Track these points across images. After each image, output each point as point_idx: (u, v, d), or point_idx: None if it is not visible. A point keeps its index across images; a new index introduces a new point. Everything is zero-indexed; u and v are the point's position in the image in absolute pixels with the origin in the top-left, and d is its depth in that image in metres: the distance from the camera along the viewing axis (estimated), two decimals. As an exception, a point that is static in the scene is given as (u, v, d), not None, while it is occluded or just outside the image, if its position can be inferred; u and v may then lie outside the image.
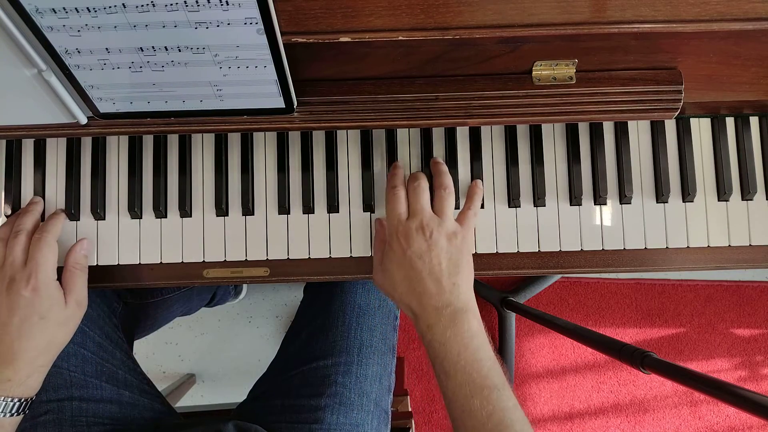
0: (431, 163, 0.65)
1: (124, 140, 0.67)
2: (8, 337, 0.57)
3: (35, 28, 0.47)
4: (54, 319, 0.59)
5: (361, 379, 0.74)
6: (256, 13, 0.46)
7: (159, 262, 0.66)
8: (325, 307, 0.78)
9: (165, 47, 0.49)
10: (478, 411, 0.52)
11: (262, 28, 0.47)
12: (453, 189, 0.63)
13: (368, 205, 0.66)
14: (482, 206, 0.66)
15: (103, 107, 0.56)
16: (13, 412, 0.56)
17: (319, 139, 0.67)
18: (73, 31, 0.47)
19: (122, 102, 0.56)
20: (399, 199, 0.61)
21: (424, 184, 0.62)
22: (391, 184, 0.63)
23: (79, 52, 0.49)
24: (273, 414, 0.74)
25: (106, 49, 0.49)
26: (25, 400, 0.58)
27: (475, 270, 0.66)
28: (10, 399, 0.56)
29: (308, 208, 0.66)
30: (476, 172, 0.66)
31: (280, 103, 0.56)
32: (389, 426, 0.77)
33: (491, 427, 0.52)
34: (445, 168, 0.64)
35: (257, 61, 0.51)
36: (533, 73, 0.59)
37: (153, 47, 0.49)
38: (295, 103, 0.58)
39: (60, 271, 0.62)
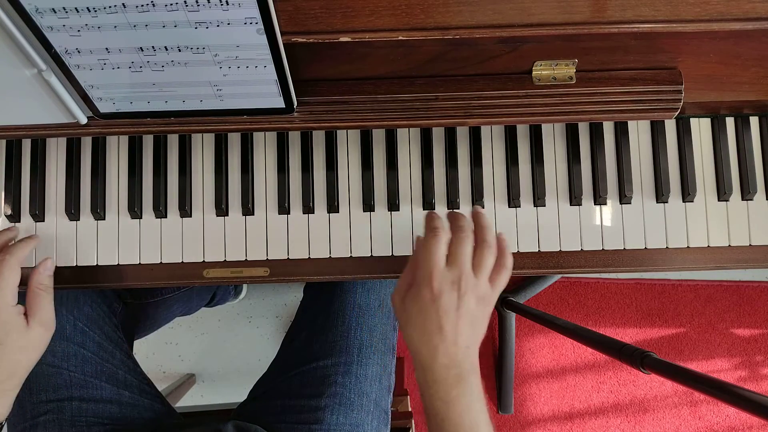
0: (473, 213, 0.60)
1: (124, 140, 0.67)
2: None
3: (35, 28, 0.47)
4: (14, 345, 0.58)
5: (361, 379, 0.74)
6: (256, 12, 0.46)
7: (159, 262, 0.66)
8: (325, 307, 0.78)
9: (165, 47, 0.49)
10: None
11: (262, 27, 0.47)
12: (495, 246, 0.58)
13: (368, 205, 0.66)
14: (482, 206, 0.66)
15: (103, 107, 0.56)
16: None
17: (319, 139, 0.67)
18: (73, 31, 0.47)
19: (122, 102, 0.55)
20: (441, 243, 0.56)
21: (471, 234, 0.57)
22: (431, 225, 0.58)
23: (79, 52, 0.49)
24: (273, 414, 0.74)
25: (106, 49, 0.49)
26: None
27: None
28: None
29: (308, 208, 0.66)
30: (476, 172, 0.66)
31: (280, 103, 0.56)
32: (389, 426, 0.77)
33: None
34: (489, 222, 0.59)
35: (257, 61, 0.51)
36: (533, 73, 0.59)
37: (153, 47, 0.49)
38: (295, 103, 0.58)
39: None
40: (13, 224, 0.66)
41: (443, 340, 0.54)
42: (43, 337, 0.61)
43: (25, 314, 0.59)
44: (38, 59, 0.50)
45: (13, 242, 0.63)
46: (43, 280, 0.62)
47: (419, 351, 0.56)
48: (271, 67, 0.51)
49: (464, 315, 0.55)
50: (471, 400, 0.54)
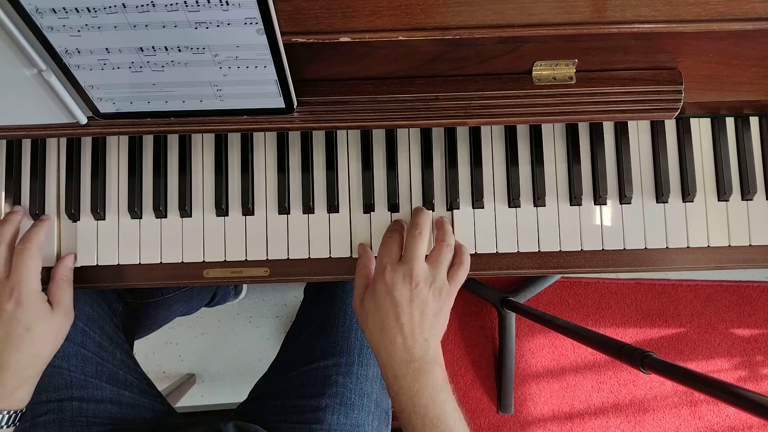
0: (437, 221, 0.64)
1: (124, 140, 0.67)
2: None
3: (35, 28, 0.47)
4: (39, 331, 0.59)
5: (362, 379, 0.74)
6: (256, 13, 0.46)
7: (159, 262, 0.66)
8: (326, 307, 0.78)
9: (165, 47, 0.49)
10: None
11: (262, 28, 0.47)
12: (453, 248, 0.62)
13: (368, 205, 0.66)
14: (482, 206, 0.66)
15: (103, 107, 0.56)
16: (2, 424, 0.56)
17: (319, 139, 0.67)
18: (73, 31, 0.47)
19: (122, 102, 0.55)
20: (394, 242, 0.60)
21: (426, 233, 0.61)
22: (391, 228, 0.63)
23: (79, 52, 0.49)
24: (273, 414, 0.74)
25: (106, 49, 0.49)
26: (15, 412, 0.58)
27: (475, 270, 0.66)
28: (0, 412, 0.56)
29: (308, 208, 0.66)
30: (476, 172, 0.66)
31: (280, 103, 0.56)
32: (390, 426, 0.77)
33: None
34: (450, 228, 0.64)
35: (257, 61, 0.51)
36: (533, 73, 0.59)
37: (153, 47, 0.49)
38: (295, 103, 0.58)
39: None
40: (16, 206, 0.66)
41: (400, 331, 0.55)
42: (65, 325, 0.62)
43: (49, 302, 0.61)
44: (38, 59, 0.50)
45: (29, 228, 0.63)
46: (67, 272, 0.64)
47: (380, 348, 0.57)
48: (271, 67, 0.51)
49: (419, 306, 0.56)
50: (435, 391, 0.55)
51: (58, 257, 0.65)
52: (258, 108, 0.57)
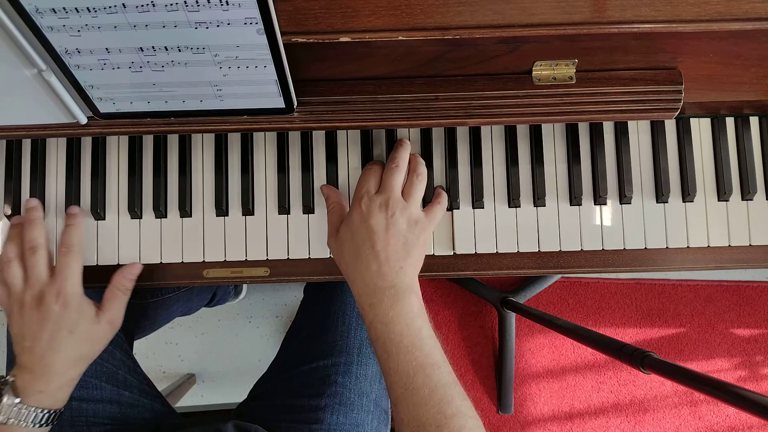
0: (412, 153, 0.65)
1: (124, 140, 0.67)
2: (40, 350, 0.57)
3: (35, 28, 0.47)
4: (82, 334, 0.59)
5: (361, 379, 0.74)
6: (256, 13, 0.46)
7: (159, 262, 0.66)
8: (325, 307, 0.78)
9: (165, 47, 0.49)
10: (420, 388, 0.52)
11: (262, 28, 0.47)
12: (425, 177, 0.63)
13: (368, 205, 0.66)
14: (482, 206, 0.66)
15: (103, 107, 0.56)
16: (42, 423, 0.57)
17: (319, 139, 0.67)
18: (73, 31, 0.47)
19: (122, 102, 0.55)
20: (373, 173, 0.62)
21: (403, 166, 0.62)
22: (370, 163, 0.64)
23: (79, 52, 0.49)
24: (273, 414, 0.74)
25: (106, 49, 0.49)
26: (54, 411, 0.58)
27: (475, 270, 0.66)
28: (40, 410, 0.57)
29: (308, 208, 0.66)
30: (476, 172, 0.66)
31: (280, 103, 0.56)
32: (389, 426, 0.77)
33: (434, 403, 0.52)
34: (422, 160, 0.64)
35: (257, 61, 0.51)
36: (533, 73, 0.59)
37: (153, 47, 0.49)
38: (295, 103, 0.58)
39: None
40: (36, 206, 0.65)
41: (376, 258, 0.56)
42: (108, 334, 0.63)
43: (99, 309, 0.62)
44: (38, 59, 0.50)
45: (68, 228, 0.63)
46: (126, 282, 0.64)
47: (354, 276, 0.57)
48: (271, 67, 0.51)
49: (394, 234, 0.57)
50: (410, 318, 0.55)
51: (12, 226, 0.65)
52: (258, 108, 0.57)
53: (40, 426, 0.57)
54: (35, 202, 0.65)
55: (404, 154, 0.63)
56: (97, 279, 0.66)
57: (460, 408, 0.52)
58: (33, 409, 0.56)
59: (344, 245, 0.59)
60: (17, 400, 0.56)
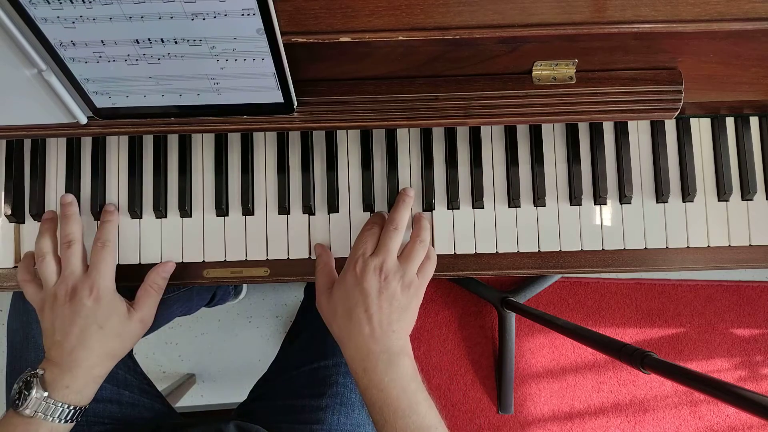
0: (415, 216, 0.65)
1: (124, 140, 0.67)
2: (69, 344, 0.58)
3: (29, 20, 0.46)
4: (113, 330, 0.59)
5: None
6: (253, 3, 0.45)
7: (159, 262, 0.66)
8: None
9: (161, 39, 0.48)
10: None
11: (260, 19, 0.46)
12: (428, 244, 0.62)
13: (368, 205, 0.66)
14: (482, 206, 0.66)
15: (99, 101, 0.55)
16: (68, 418, 0.57)
17: (319, 139, 0.67)
18: (67, 22, 0.46)
19: (118, 96, 0.55)
20: (371, 235, 0.61)
21: (402, 229, 0.61)
22: (371, 221, 0.63)
23: (74, 44, 0.48)
24: (274, 414, 0.74)
25: (102, 41, 0.48)
26: (80, 408, 0.58)
27: (475, 270, 0.66)
28: (66, 405, 0.57)
29: (308, 208, 0.66)
30: (476, 172, 0.66)
31: (278, 98, 0.56)
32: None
33: None
34: (427, 224, 0.64)
35: (255, 53, 0.50)
36: (533, 73, 0.59)
37: (149, 39, 0.48)
38: (295, 103, 0.58)
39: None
40: (72, 201, 0.65)
41: (369, 321, 0.56)
42: (138, 331, 0.63)
43: (131, 306, 0.62)
44: (38, 59, 0.50)
45: (103, 224, 0.64)
46: (159, 280, 0.64)
47: (347, 340, 0.57)
48: (269, 60, 0.51)
49: (388, 298, 0.56)
50: (405, 382, 0.55)
51: (45, 220, 0.65)
52: (257, 104, 0.56)
53: (65, 422, 0.57)
54: (71, 197, 0.65)
55: (404, 215, 0.62)
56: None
57: None
58: (60, 404, 0.56)
59: (337, 307, 0.58)
60: (45, 394, 0.56)
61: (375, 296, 0.56)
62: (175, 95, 0.55)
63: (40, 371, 0.57)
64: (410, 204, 0.64)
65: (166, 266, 0.65)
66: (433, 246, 0.66)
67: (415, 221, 0.64)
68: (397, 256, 0.60)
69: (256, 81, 0.53)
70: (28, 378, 0.57)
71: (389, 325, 0.56)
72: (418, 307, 0.60)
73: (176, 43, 0.48)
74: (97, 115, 0.58)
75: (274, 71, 0.52)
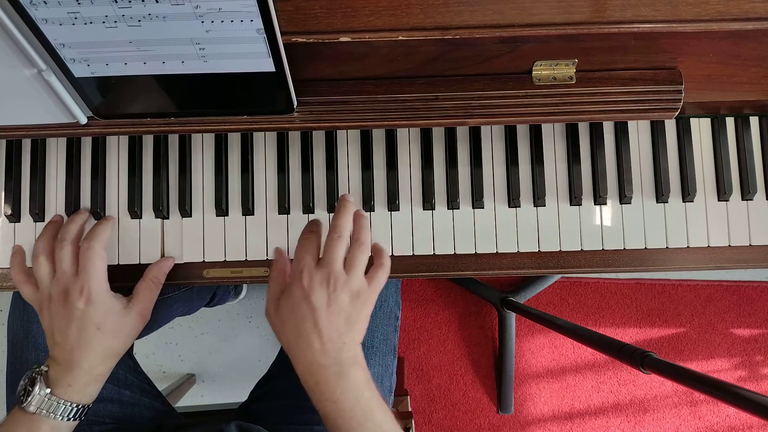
0: (355, 213, 0.61)
1: (124, 140, 0.67)
2: (68, 345, 0.58)
3: None
4: (110, 329, 0.59)
5: None
6: None
7: (159, 262, 0.66)
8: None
9: None
10: None
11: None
12: (369, 246, 0.59)
13: (368, 205, 0.66)
14: (482, 206, 0.66)
15: (77, 70, 0.52)
16: (71, 417, 0.57)
17: (319, 139, 0.67)
18: None
19: (97, 64, 0.51)
20: (312, 245, 0.58)
21: (346, 236, 0.59)
22: (308, 228, 0.60)
23: (45, 2, 0.45)
24: (274, 415, 0.74)
25: (77, 0, 0.45)
26: (83, 406, 0.58)
27: (475, 270, 0.66)
28: (69, 403, 0.57)
29: (308, 208, 0.66)
30: (476, 172, 0.66)
31: (270, 66, 0.52)
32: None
33: None
34: (366, 223, 0.61)
35: (243, 13, 0.46)
36: (533, 73, 0.59)
37: None
38: (295, 103, 0.58)
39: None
40: (82, 209, 0.66)
41: (319, 336, 0.54)
42: (137, 326, 0.62)
43: (128, 301, 0.62)
44: (38, 59, 0.50)
45: (94, 225, 0.64)
46: (159, 275, 0.64)
47: (297, 354, 0.56)
48: (259, 21, 0.47)
49: (336, 311, 0.55)
50: (358, 392, 0.54)
51: (49, 222, 0.65)
52: (246, 72, 0.53)
53: (68, 420, 0.57)
54: (84, 211, 0.66)
55: (347, 221, 0.59)
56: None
57: None
58: (62, 401, 0.56)
59: (285, 320, 0.56)
60: (48, 391, 0.56)
61: (324, 310, 0.55)
62: (158, 62, 0.51)
63: (44, 368, 0.58)
64: (351, 209, 0.61)
65: (168, 262, 0.65)
66: (392, 251, 0.65)
67: (354, 221, 0.61)
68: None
69: (245, 46, 0.50)
70: (33, 375, 0.57)
71: (339, 338, 0.55)
72: (369, 315, 0.58)
73: (157, 1, 0.45)
74: (97, 115, 0.58)
75: (265, 37, 0.49)
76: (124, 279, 0.66)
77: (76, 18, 0.47)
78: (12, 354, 0.72)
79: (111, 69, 0.52)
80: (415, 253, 0.66)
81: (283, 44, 0.50)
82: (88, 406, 0.59)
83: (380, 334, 0.77)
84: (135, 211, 0.66)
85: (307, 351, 0.55)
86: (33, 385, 0.56)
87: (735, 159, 0.67)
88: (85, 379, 0.58)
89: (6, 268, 0.66)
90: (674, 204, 0.67)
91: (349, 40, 0.51)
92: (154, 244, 0.66)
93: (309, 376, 0.55)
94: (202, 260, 0.66)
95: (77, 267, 0.60)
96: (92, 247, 0.60)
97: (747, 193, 0.67)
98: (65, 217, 0.66)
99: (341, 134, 0.67)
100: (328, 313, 0.55)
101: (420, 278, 1.27)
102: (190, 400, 1.41)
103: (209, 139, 0.67)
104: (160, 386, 0.86)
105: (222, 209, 0.66)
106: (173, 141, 0.67)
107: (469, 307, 1.40)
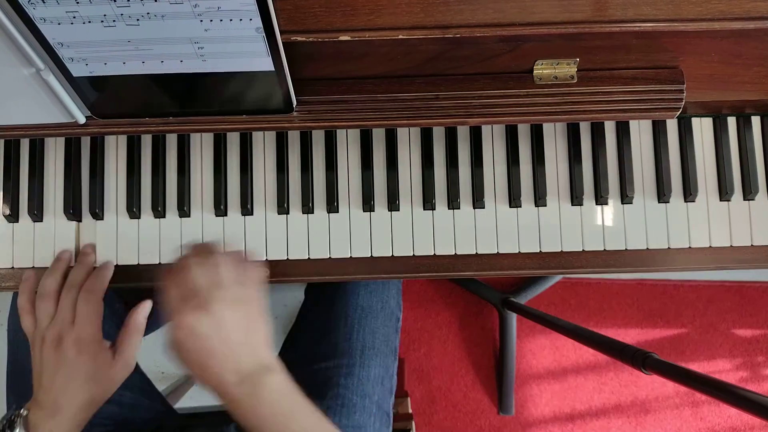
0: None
1: (123, 140, 0.67)
2: (54, 391, 0.58)
3: None
4: (97, 379, 0.59)
5: (364, 381, 0.73)
6: None
7: (158, 262, 0.66)
8: (327, 309, 0.78)
9: None
10: None
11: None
12: (230, 254, 0.57)
13: (368, 205, 0.66)
14: (483, 206, 0.66)
15: (76, 70, 0.52)
16: None
17: (318, 138, 0.67)
18: None
19: (95, 63, 0.51)
20: (184, 278, 0.55)
21: (202, 258, 0.55)
22: (179, 262, 0.57)
23: (43, 1, 0.45)
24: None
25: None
26: None
27: (476, 270, 0.66)
28: None
29: (308, 208, 0.66)
30: (477, 172, 0.66)
31: (269, 65, 0.52)
32: (391, 428, 0.77)
33: None
34: (204, 246, 0.58)
35: (242, 12, 0.46)
36: (534, 72, 0.58)
37: None
38: (294, 103, 0.57)
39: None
40: (89, 248, 0.66)
41: (217, 361, 0.52)
42: (122, 376, 0.63)
43: (114, 351, 0.62)
44: (36, 58, 0.50)
45: (94, 274, 0.64)
46: (140, 320, 0.64)
47: (208, 383, 0.54)
48: (257, 20, 0.46)
49: (229, 327, 0.53)
50: (277, 398, 0.53)
51: (57, 259, 0.65)
52: (245, 71, 0.53)
53: None
54: (90, 249, 0.66)
55: (214, 250, 0.57)
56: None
57: None
58: None
59: (181, 355, 0.55)
60: None
61: (214, 333, 0.53)
62: (156, 62, 0.51)
63: (24, 412, 0.57)
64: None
65: (146, 305, 0.64)
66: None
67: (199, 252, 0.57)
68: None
69: (244, 45, 0.49)
70: (12, 417, 0.57)
71: (240, 348, 0.54)
72: (261, 315, 0.57)
73: (156, 0, 0.45)
74: (96, 115, 0.57)
75: (264, 35, 0.48)
76: (121, 280, 0.66)
77: (74, 17, 0.47)
78: (12, 354, 0.72)
79: (109, 68, 0.52)
80: (416, 254, 0.66)
81: (283, 43, 0.50)
82: None
83: (381, 335, 0.77)
84: (133, 212, 0.66)
85: (220, 376, 0.53)
86: (12, 428, 0.55)
87: (737, 159, 0.67)
88: (68, 426, 0.57)
89: (5, 268, 0.66)
90: (676, 204, 0.66)
91: (349, 39, 0.51)
92: (153, 245, 0.66)
93: (228, 398, 0.53)
94: (201, 260, 0.66)
95: (74, 315, 0.60)
96: (91, 300, 0.61)
97: (749, 193, 0.66)
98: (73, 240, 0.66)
99: (341, 134, 0.67)
100: (219, 333, 0.53)
101: (420, 279, 1.27)
102: (189, 401, 1.40)
103: (208, 138, 0.67)
104: (160, 387, 0.86)
105: (221, 209, 0.66)
106: (172, 141, 0.67)
107: (469, 308, 1.39)
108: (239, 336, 0.54)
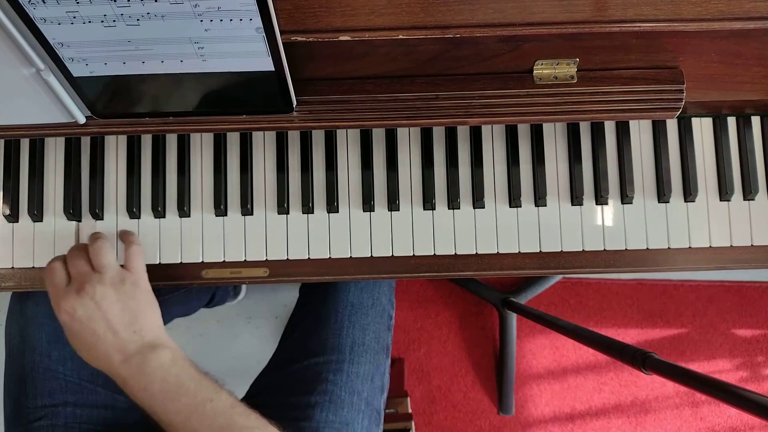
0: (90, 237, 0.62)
1: (123, 140, 0.67)
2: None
3: None
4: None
5: (353, 377, 0.73)
6: None
7: (158, 262, 0.66)
8: (318, 305, 0.78)
9: None
10: (200, 428, 0.54)
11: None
12: (104, 241, 0.60)
13: (368, 205, 0.66)
14: (483, 206, 0.66)
15: (76, 70, 0.52)
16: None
17: (318, 138, 0.67)
18: None
19: (96, 63, 0.52)
20: (54, 270, 0.58)
21: (82, 248, 0.59)
22: (49, 263, 0.60)
23: (44, 1, 0.45)
24: (266, 411, 0.73)
25: None
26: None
27: (476, 270, 0.66)
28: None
29: (308, 209, 0.66)
30: (477, 172, 0.66)
31: (269, 65, 0.52)
32: (381, 426, 0.77)
33: None
34: (96, 234, 0.63)
35: (242, 12, 0.46)
36: (534, 72, 0.58)
37: None
38: (294, 103, 0.57)
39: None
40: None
41: (105, 343, 0.55)
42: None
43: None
44: (36, 58, 0.50)
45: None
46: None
47: (98, 366, 0.56)
48: (258, 20, 0.47)
49: (109, 308, 0.56)
50: (165, 372, 0.55)
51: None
52: (245, 71, 0.53)
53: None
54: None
55: (75, 247, 0.61)
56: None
57: (243, 426, 0.55)
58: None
59: (74, 343, 0.57)
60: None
61: (96, 315, 0.56)
62: (156, 62, 0.52)
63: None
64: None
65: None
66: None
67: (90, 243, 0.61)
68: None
69: (244, 45, 0.49)
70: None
71: (126, 328, 0.56)
72: (150, 293, 0.61)
73: (156, 0, 0.45)
74: (96, 115, 0.57)
75: (264, 35, 0.48)
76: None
77: (74, 17, 0.47)
78: (10, 357, 0.72)
79: (109, 68, 0.52)
80: (416, 254, 0.66)
81: (283, 43, 0.50)
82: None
83: (372, 332, 0.76)
84: (133, 212, 0.66)
85: (108, 357, 0.56)
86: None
87: (737, 159, 0.67)
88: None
89: (5, 268, 0.66)
90: (676, 204, 0.66)
91: (349, 39, 0.51)
92: (153, 245, 0.66)
93: (119, 377, 0.55)
94: (201, 261, 0.66)
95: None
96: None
97: (749, 193, 0.66)
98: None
99: (341, 134, 0.67)
100: (103, 315, 0.56)
101: (420, 279, 1.27)
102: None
103: (208, 138, 0.67)
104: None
105: (221, 209, 0.66)
106: (172, 141, 0.67)
107: (469, 308, 1.39)
108: (122, 317, 0.56)
